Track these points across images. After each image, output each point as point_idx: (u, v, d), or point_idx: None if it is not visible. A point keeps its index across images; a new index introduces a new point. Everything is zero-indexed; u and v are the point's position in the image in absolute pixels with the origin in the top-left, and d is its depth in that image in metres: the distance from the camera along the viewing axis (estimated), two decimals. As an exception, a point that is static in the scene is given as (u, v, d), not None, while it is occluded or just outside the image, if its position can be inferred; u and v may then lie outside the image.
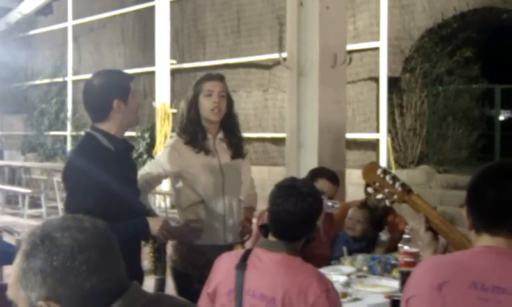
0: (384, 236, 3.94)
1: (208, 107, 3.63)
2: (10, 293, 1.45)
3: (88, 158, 2.94)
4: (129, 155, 3.27)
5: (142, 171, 3.66)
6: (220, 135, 3.73)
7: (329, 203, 3.83)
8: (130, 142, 3.23)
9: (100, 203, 2.78)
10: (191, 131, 3.65)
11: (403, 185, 2.30)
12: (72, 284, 1.37)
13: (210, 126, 3.69)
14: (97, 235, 1.44)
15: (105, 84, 3.05)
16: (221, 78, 3.75)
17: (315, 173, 4.15)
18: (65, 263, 1.37)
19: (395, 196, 2.31)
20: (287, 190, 2.63)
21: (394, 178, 2.31)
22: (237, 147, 3.75)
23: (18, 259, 1.42)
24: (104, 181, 2.88)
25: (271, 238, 2.62)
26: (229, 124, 3.75)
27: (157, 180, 3.80)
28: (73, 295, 1.38)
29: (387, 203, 2.36)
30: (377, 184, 2.33)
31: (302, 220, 2.60)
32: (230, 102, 3.76)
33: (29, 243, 1.41)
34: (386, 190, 2.32)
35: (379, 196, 2.35)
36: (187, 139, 3.65)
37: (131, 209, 3.04)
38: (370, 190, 2.40)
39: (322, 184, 3.94)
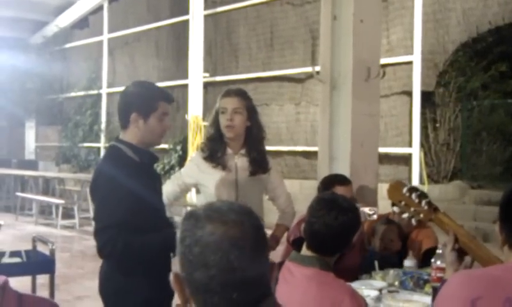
0: (408, 262, 3.85)
1: (222, 124, 3.65)
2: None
3: (115, 170, 2.92)
4: (153, 167, 3.27)
5: (166, 184, 3.72)
6: (243, 151, 3.72)
7: (368, 211, 3.79)
8: (155, 154, 3.19)
9: (129, 213, 2.79)
10: (210, 147, 3.69)
11: (429, 203, 2.28)
12: (186, 270, 1.39)
13: (232, 142, 3.70)
14: (234, 232, 1.40)
15: (131, 94, 3.01)
16: (238, 94, 3.72)
17: (330, 181, 4.04)
18: (187, 250, 1.38)
19: (421, 215, 2.29)
20: (328, 203, 2.61)
21: (420, 196, 2.29)
22: (256, 162, 3.73)
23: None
24: (133, 192, 2.86)
25: (304, 252, 2.61)
26: (250, 138, 3.74)
27: (180, 191, 3.85)
28: (187, 280, 1.39)
29: (413, 221, 2.34)
30: (403, 203, 2.32)
31: (341, 235, 2.58)
32: (252, 116, 3.72)
33: (194, 214, 1.43)
34: (412, 209, 2.30)
35: (405, 215, 2.33)
36: (206, 154, 3.69)
37: (158, 221, 3.03)
38: (396, 209, 2.38)
39: (339, 191, 3.87)
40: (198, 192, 3.84)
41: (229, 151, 3.69)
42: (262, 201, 3.82)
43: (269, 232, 3.87)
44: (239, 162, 3.70)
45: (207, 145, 3.74)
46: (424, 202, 2.27)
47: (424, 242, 4.22)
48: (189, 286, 1.39)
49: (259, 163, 3.73)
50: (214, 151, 3.68)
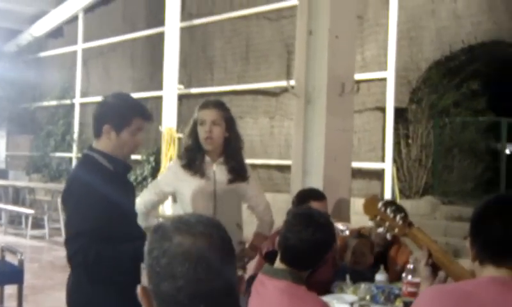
0: (379, 276, 3.86)
1: (201, 136, 3.68)
2: None
3: (89, 177, 2.90)
4: (127, 176, 3.26)
5: (143, 193, 3.72)
6: (221, 159, 3.75)
7: (341, 227, 3.81)
8: (128, 163, 3.17)
9: (101, 222, 2.76)
10: (189, 157, 3.72)
11: (404, 218, 2.30)
12: (153, 282, 1.38)
13: (210, 151, 3.72)
14: (199, 243, 1.40)
15: (107, 105, 3.00)
16: (216, 105, 3.75)
17: (305, 196, 4.03)
18: (154, 262, 1.38)
19: (396, 230, 2.31)
20: (304, 219, 2.62)
21: (395, 211, 2.31)
22: (235, 171, 3.76)
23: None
24: (106, 200, 2.84)
25: (277, 265, 2.61)
26: (229, 148, 3.77)
27: (157, 200, 3.85)
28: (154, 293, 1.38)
29: (388, 236, 2.35)
30: (378, 218, 2.33)
31: (317, 251, 2.59)
32: (230, 127, 3.76)
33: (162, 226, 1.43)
34: (387, 224, 2.32)
35: (380, 230, 2.35)
36: (184, 162, 3.71)
37: (130, 230, 3.00)
38: (371, 223, 2.40)
39: (314, 206, 3.87)
40: (174, 201, 3.83)
41: (207, 159, 3.72)
42: (240, 209, 3.85)
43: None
44: (217, 170, 3.72)
45: (184, 154, 3.76)
46: (398, 217, 2.29)
47: (403, 258, 4.18)
48: (156, 298, 1.38)
49: (237, 171, 3.76)
50: (192, 159, 3.70)
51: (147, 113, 3.11)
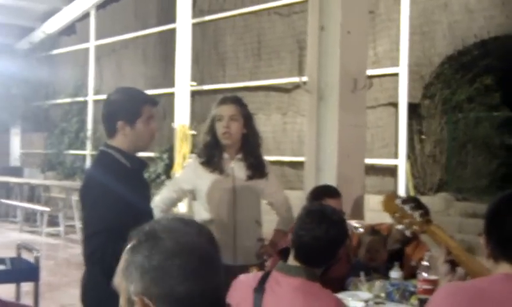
0: (394, 274, 3.85)
1: (219, 131, 3.69)
2: (116, 281, 1.48)
3: (106, 175, 2.91)
4: (143, 173, 3.27)
5: (162, 190, 3.74)
6: (240, 155, 3.76)
7: (355, 224, 3.81)
8: (144, 160, 3.20)
9: (119, 219, 2.77)
10: (207, 154, 3.72)
11: (422, 215, 2.29)
12: (166, 285, 1.37)
13: (228, 147, 3.73)
14: (201, 241, 1.44)
15: (114, 101, 3.02)
16: (234, 101, 3.77)
17: (320, 193, 4.04)
18: (163, 264, 1.37)
19: (415, 226, 2.30)
20: (317, 216, 2.61)
21: (413, 208, 2.30)
22: (254, 168, 3.77)
23: (126, 250, 1.46)
24: (123, 198, 2.85)
25: (290, 262, 2.61)
26: (247, 145, 3.77)
27: (176, 197, 3.87)
28: (166, 296, 1.37)
29: (407, 233, 2.35)
30: (397, 214, 2.33)
31: (330, 248, 2.59)
32: (248, 123, 3.77)
33: (136, 238, 1.45)
34: (406, 221, 2.31)
35: (400, 227, 2.34)
36: (203, 160, 3.72)
37: None
38: (389, 220, 2.39)
39: (329, 203, 3.87)
40: (194, 198, 3.84)
41: (225, 156, 3.73)
42: (259, 205, 3.86)
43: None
44: (236, 166, 3.73)
45: (203, 151, 3.78)
46: (416, 214, 2.28)
47: (419, 254, 4.15)
48: (165, 303, 1.38)
49: (256, 168, 3.77)
50: (211, 156, 3.71)
51: (153, 99, 3.14)
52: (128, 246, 1.45)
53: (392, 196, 2.41)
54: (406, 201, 2.33)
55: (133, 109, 2.97)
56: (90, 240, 2.82)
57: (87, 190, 2.97)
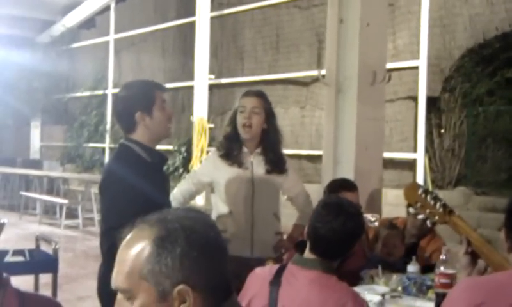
0: (411, 267, 3.82)
1: (239, 122, 3.69)
2: (118, 284, 1.47)
3: (126, 169, 2.91)
4: (163, 167, 3.28)
5: (181, 183, 3.77)
6: (259, 149, 3.76)
7: (370, 217, 3.79)
8: (164, 154, 3.21)
9: (140, 213, 2.77)
10: (226, 146, 3.73)
11: (444, 205, 2.28)
12: (203, 275, 1.37)
13: (248, 141, 3.73)
14: (213, 230, 1.46)
15: (127, 96, 3.02)
16: (258, 94, 3.78)
17: (337, 186, 4.04)
18: (200, 254, 1.38)
19: (436, 217, 2.28)
20: (334, 208, 2.60)
21: (435, 199, 2.29)
22: (273, 163, 3.77)
23: (145, 247, 1.43)
24: (144, 192, 2.84)
25: (307, 255, 2.60)
26: (267, 140, 3.77)
27: (195, 190, 3.89)
28: (203, 286, 1.37)
29: (428, 223, 2.33)
30: (418, 204, 2.31)
31: (346, 240, 2.58)
32: (269, 119, 3.77)
33: (165, 228, 1.42)
34: (427, 211, 2.29)
35: (421, 217, 2.32)
36: (222, 153, 3.72)
37: None
38: (411, 210, 2.38)
39: (346, 196, 3.85)
40: (212, 191, 3.85)
41: (245, 149, 3.73)
42: (278, 199, 3.86)
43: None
44: (255, 160, 3.73)
45: (223, 143, 3.79)
46: (438, 204, 2.27)
47: (433, 256, 4.13)
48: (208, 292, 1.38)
49: (275, 163, 3.77)
50: (230, 149, 3.72)
51: (160, 83, 3.16)
52: (150, 242, 1.43)
53: (414, 185, 2.39)
54: (428, 191, 2.31)
55: (146, 97, 2.98)
56: (108, 236, 2.81)
57: (107, 184, 2.97)
